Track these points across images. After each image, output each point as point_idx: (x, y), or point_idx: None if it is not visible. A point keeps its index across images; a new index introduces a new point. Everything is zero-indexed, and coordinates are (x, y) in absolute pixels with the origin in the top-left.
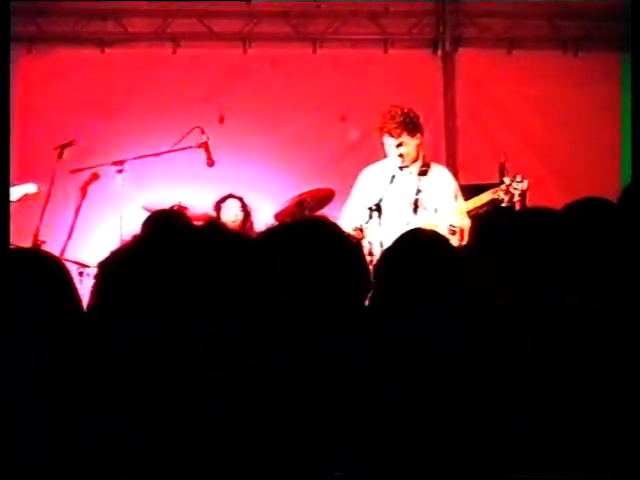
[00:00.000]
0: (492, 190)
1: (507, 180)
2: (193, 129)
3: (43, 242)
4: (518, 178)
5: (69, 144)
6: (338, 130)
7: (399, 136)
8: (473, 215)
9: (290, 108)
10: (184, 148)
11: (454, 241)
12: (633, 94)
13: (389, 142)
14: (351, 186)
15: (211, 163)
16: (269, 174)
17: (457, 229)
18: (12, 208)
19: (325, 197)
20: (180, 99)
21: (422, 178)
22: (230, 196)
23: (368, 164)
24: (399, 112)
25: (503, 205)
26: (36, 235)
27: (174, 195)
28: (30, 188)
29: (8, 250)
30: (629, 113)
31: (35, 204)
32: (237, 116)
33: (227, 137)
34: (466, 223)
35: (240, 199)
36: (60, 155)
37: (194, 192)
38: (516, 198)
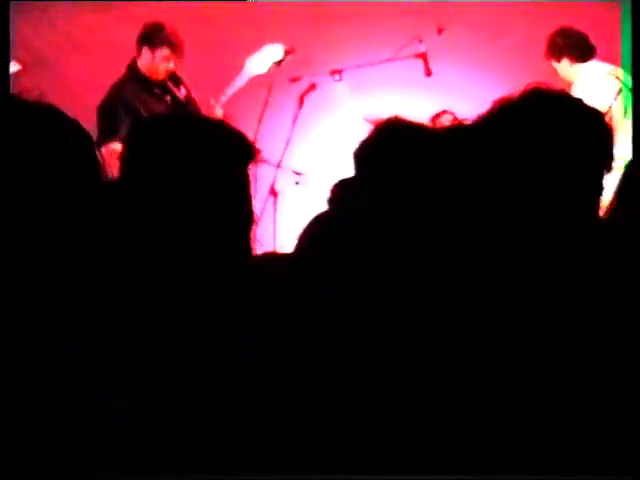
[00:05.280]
0: None
1: None
2: (412, 39)
3: (260, 150)
4: None
5: (288, 52)
6: None
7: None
8: None
9: (508, 19)
10: (402, 58)
11: None
12: None
13: None
14: None
15: (429, 73)
16: (487, 86)
17: None
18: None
19: None
20: (398, 9)
21: None
22: (446, 112)
23: None
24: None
25: None
26: (254, 142)
27: (392, 105)
28: (276, 54)
29: None
30: None
31: (253, 111)
32: (455, 27)
33: (445, 48)
34: None
35: (453, 114)
36: (278, 63)
37: (411, 102)
38: None
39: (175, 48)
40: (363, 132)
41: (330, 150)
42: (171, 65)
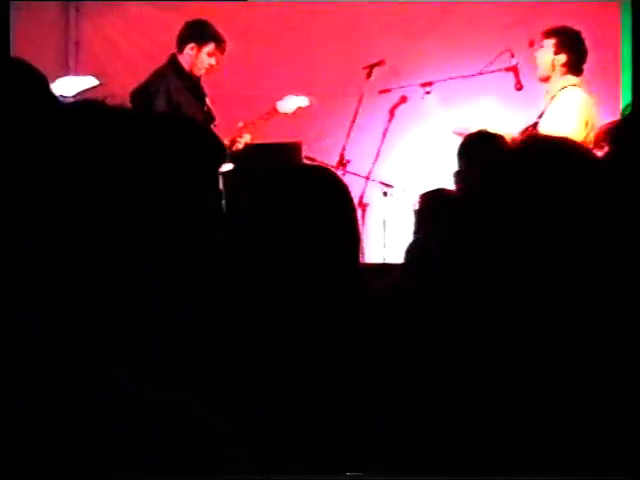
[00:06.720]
0: None
1: None
2: (503, 52)
3: (348, 161)
4: None
5: (378, 64)
6: None
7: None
8: None
9: (600, 34)
10: (493, 71)
11: None
12: None
13: None
14: None
15: (520, 87)
16: None
17: None
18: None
19: None
20: (490, 22)
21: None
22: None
23: None
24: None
25: None
26: (342, 154)
27: (482, 119)
28: (302, 101)
29: None
30: None
31: (342, 123)
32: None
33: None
34: None
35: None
36: (368, 75)
37: (502, 116)
38: None
39: (220, 44)
40: (452, 145)
41: (419, 162)
42: (213, 61)
